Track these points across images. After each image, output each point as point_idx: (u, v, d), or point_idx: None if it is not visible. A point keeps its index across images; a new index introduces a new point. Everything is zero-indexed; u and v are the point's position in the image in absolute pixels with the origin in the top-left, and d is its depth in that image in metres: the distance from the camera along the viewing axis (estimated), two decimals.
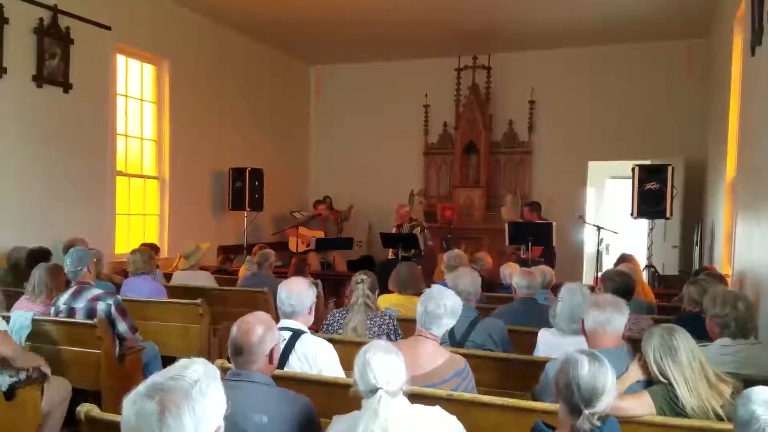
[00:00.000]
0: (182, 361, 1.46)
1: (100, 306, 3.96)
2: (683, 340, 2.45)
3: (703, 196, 8.58)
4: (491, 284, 5.92)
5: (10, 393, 3.12)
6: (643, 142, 9.18)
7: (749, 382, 2.54)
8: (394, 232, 8.33)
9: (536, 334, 3.58)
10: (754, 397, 1.68)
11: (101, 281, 4.94)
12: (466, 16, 8.27)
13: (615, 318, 2.66)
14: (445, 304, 2.80)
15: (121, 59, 7.35)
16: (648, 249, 7.94)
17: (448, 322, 2.83)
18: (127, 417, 1.35)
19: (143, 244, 6.34)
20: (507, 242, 7.60)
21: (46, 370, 3.37)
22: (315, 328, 3.26)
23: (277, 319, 2.71)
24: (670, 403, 2.38)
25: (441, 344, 2.88)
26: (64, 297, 4.04)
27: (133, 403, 1.35)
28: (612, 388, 1.89)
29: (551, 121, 9.72)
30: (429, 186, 10.30)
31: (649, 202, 7.64)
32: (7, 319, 3.87)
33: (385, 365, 1.96)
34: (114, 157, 7.16)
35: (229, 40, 9.07)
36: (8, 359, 3.13)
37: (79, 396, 3.62)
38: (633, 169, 7.82)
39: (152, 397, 1.34)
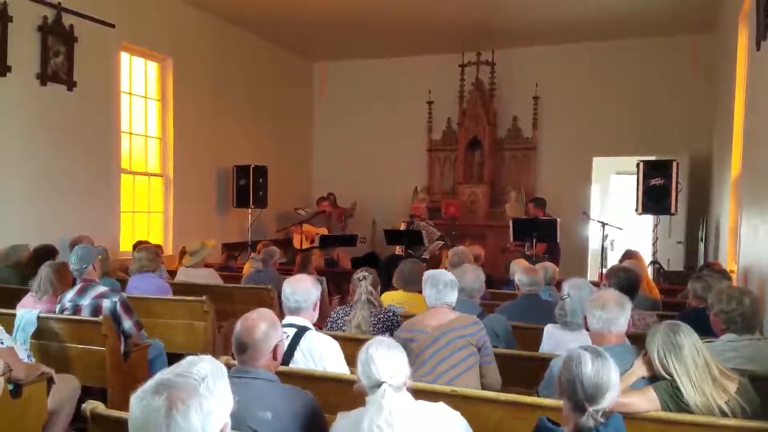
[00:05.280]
0: (190, 359, 1.47)
1: (105, 303, 3.97)
2: (687, 336, 2.43)
3: (708, 191, 8.55)
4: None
5: (16, 391, 3.14)
6: (647, 138, 9.15)
7: (755, 378, 2.53)
8: (402, 227, 8.30)
9: (540, 330, 3.58)
10: None
11: (107, 278, 4.95)
12: (469, 12, 8.26)
13: (620, 318, 2.66)
14: (451, 280, 3.24)
15: (125, 57, 7.36)
16: (653, 245, 7.91)
17: (454, 294, 3.23)
18: (134, 413, 1.35)
19: (138, 242, 6.34)
20: (511, 239, 7.58)
21: (53, 376, 3.38)
22: (319, 325, 3.27)
23: (281, 316, 2.72)
24: (675, 399, 2.37)
25: None
26: (70, 294, 4.05)
27: (140, 399, 1.35)
28: (616, 385, 1.88)
29: (555, 117, 9.69)
30: (433, 182, 10.28)
31: (653, 198, 7.61)
32: (12, 316, 3.90)
33: (388, 359, 1.96)
34: (118, 154, 7.19)
35: (232, 38, 9.07)
36: (16, 379, 3.14)
37: (84, 393, 3.63)
38: (638, 165, 7.78)
39: (160, 393, 1.34)
